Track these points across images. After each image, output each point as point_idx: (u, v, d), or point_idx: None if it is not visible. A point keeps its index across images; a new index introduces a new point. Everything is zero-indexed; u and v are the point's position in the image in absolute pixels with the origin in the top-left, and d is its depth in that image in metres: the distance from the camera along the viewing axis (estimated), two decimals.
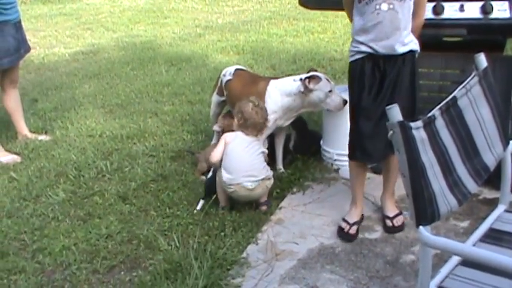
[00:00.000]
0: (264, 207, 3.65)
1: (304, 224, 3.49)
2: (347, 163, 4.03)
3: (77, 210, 3.87)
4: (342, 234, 3.34)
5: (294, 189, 3.90)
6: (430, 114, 1.99)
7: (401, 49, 3.09)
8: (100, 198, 3.99)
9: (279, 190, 3.90)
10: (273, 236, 3.37)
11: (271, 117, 3.87)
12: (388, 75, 3.13)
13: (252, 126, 3.67)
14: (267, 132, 3.89)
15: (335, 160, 4.15)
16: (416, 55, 3.18)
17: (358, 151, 3.33)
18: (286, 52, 7.57)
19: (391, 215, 3.40)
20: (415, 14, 3.09)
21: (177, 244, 3.28)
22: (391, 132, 1.82)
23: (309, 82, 3.87)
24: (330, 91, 3.88)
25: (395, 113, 1.81)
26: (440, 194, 1.90)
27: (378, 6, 3.02)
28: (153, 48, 8.28)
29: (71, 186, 4.20)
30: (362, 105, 3.23)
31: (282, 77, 4.21)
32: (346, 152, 4.03)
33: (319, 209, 3.66)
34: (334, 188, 3.92)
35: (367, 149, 3.25)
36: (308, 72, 4.01)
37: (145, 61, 7.57)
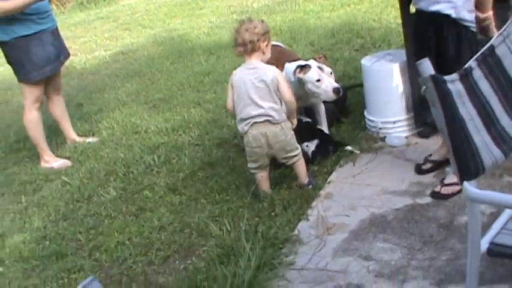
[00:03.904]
0: (310, 187, 3.59)
1: (353, 196, 3.43)
2: (393, 130, 3.99)
3: (128, 206, 3.92)
4: (415, 167, 3.53)
5: (341, 162, 3.83)
6: (466, 66, 1.92)
7: (430, 7, 3.04)
8: (150, 192, 4.02)
9: (327, 165, 3.84)
10: (323, 210, 3.34)
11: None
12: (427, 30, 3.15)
13: (241, 44, 3.44)
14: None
15: (380, 128, 4.05)
16: (464, 24, 3.05)
17: None
18: (324, 27, 7.44)
19: (445, 181, 3.27)
20: None
21: (228, 228, 3.29)
22: (424, 87, 1.76)
23: (300, 71, 3.76)
24: (318, 80, 3.72)
25: (426, 67, 1.75)
26: (483, 147, 1.83)
27: None
28: (190, 40, 8.28)
29: (121, 184, 4.26)
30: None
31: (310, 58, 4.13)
32: (391, 119, 4.00)
33: (367, 179, 3.59)
34: (382, 157, 3.83)
35: None
36: (317, 58, 3.90)
37: (184, 53, 7.57)
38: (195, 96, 5.83)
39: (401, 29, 6.51)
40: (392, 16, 7.21)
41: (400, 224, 3.05)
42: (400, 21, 6.86)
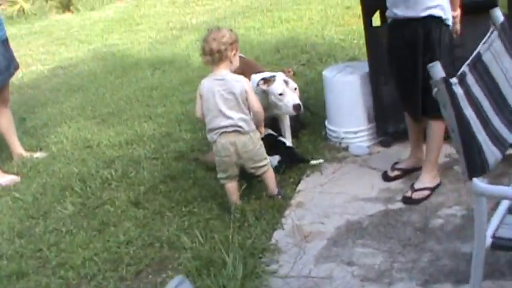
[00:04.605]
0: (279, 197, 3.58)
1: (325, 204, 3.46)
2: (355, 140, 4.06)
3: (89, 221, 3.79)
4: (382, 175, 3.63)
5: (308, 171, 3.86)
6: (460, 71, 1.99)
7: (421, 13, 3.11)
8: (111, 207, 3.91)
9: (294, 175, 3.86)
10: (297, 219, 3.34)
11: None
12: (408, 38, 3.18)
13: (209, 53, 3.39)
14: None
15: (342, 138, 4.11)
16: (445, 22, 3.13)
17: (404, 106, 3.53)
18: (267, 43, 7.51)
19: (415, 186, 3.35)
20: None
21: (201, 240, 3.24)
22: (435, 89, 1.81)
23: (263, 83, 3.82)
24: (281, 94, 3.79)
25: (437, 70, 1.80)
26: (486, 146, 1.91)
27: None
28: (132, 55, 8.17)
29: (78, 199, 4.12)
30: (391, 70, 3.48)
31: (272, 70, 4.17)
32: (353, 129, 4.07)
33: (336, 187, 3.63)
34: (347, 166, 3.88)
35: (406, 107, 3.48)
36: (287, 72, 4.00)
37: (128, 68, 7.46)
38: (145, 110, 5.74)
39: (344, 44, 6.78)
40: (334, 32, 7.37)
41: (376, 229, 3.10)
42: (342, 37, 7.10)
